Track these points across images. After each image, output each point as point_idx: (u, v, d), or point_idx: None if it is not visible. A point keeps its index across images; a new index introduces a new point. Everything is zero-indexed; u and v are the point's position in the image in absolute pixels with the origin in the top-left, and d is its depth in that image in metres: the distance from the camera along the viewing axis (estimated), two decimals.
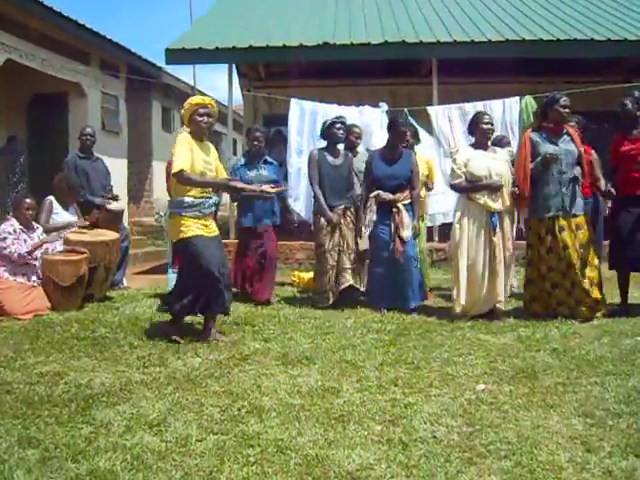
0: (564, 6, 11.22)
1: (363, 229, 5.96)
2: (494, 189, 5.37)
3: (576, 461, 2.64)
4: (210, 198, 4.72)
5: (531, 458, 2.66)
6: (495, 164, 5.44)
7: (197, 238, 4.58)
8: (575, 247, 5.30)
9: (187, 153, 4.54)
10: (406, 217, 5.79)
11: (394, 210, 5.82)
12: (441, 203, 7.65)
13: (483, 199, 5.38)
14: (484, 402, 3.34)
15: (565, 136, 5.46)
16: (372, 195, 5.86)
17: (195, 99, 4.76)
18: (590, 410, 3.21)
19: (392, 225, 5.80)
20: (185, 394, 3.48)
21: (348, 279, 5.99)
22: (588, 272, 5.33)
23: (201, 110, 4.65)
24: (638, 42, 8.95)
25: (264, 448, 2.75)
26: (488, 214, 5.38)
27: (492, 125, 5.61)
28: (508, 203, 5.44)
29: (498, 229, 5.37)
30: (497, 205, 5.38)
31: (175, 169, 4.50)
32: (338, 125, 6.16)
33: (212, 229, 4.76)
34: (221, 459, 2.66)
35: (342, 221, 6.04)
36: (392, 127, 6.01)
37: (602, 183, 5.56)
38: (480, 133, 5.55)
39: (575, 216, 5.35)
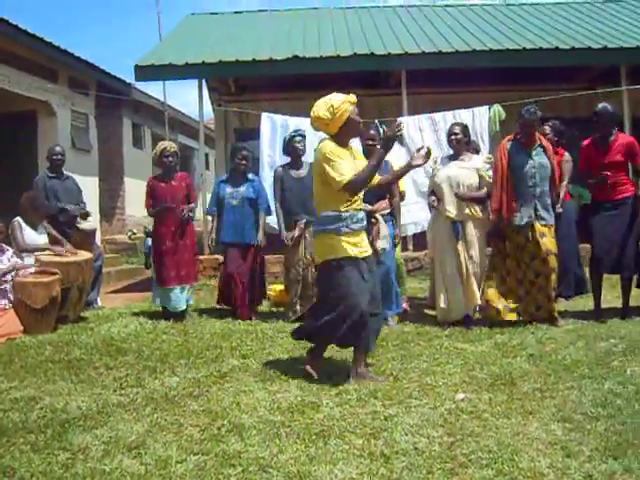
0: (529, 16, 11.45)
1: None
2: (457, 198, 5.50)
3: (557, 467, 2.66)
4: (359, 211, 4.14)
5: (512, 466, 2.67)
6: (458, 172, 5.58)
7: (347, 260, 3.99)
8: (539, 254, 5.41)
9: (341, 162, 3.95)
10: (383, 228, 5.82)
11: (372, 221, 5.84)
12: (412, 213, 7.74)
13: (443, 208, 5.56)
14: (464, 411, 3.35)
15: (539, 148, 5.56)
16: None
17: (349, 98, 4.05)
18: (568, 415, 3.24)
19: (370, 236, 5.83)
20: (164, 415, 3.44)
21: (314, 293, 5.97)
22: (552, 279, 5.43)
23: (357, 109, 4.07)
24: (601, 50, 9.14)
25: (245, 467, 2.73)
26: (450, 223, 5.55)
27: (458, 135, 5.71)
28: (469, 212, 5.55)
29: (461, 237, 5.51)
30: (455, 215, 5.53)
31: (343, 181, 3.90)
32: (298, 138, 6.21)
33: (365, 247, 4.13)
34: None
35: (306, 235, 6.03)
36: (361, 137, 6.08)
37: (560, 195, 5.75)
38: (449, 143, 5.79)
39: (543, 225, 5.46)
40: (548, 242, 5.42)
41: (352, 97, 4.07)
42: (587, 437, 2.95)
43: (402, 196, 6.53)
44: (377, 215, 5.83)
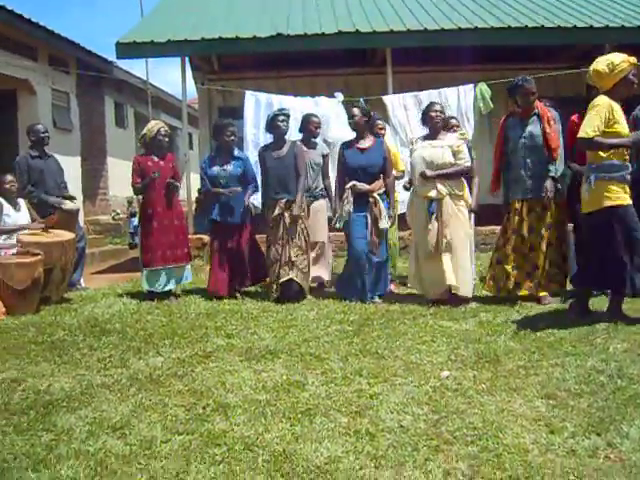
0: None
1: (336, 221, 5.95)
2: (425, 178, 5.52)
3: (540, 442, 2.69)
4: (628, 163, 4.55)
5: (497, 442, 2.69)
6: (430, 152, 5.58)
7: (630, 207, 4.45)
8: (539, 230, 5.42)
9: (598, 119, 4.40)
10: (383, 207, 5.84)
11: (370, 200, 5.84)
12: (401, 193, 7.70)
13: (419, 188, 5.61)
14: (449, 389, 3.37)
15: (534, 117, 5.51)
16: (348, 186, 5.87)
17: (630, 59, 4.48)
18: (552, 391, 3.26)
19: (368, 216, 5.83)
20: (148, 395, 3.42)
21: (287, 272, 5.95)
22: (550, 254, 5.45)
23: (635, 71, 4.50)
24: (586, 29, 9.12)
25: (231, 446, 2.72)
26: (427, 202, 5.55)
27: (441, 113, 5.73)
28: (447, 190, 5.53)
29: (434, 217, 5.51)
30: (432, 193, 5.53)
31: (583, 135, 4.42)
32: (281, 117, 6.15)
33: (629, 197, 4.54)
34: (187, 460, 2.62)
35: (286, 214, 6.00)
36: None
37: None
38: (429, 122, 5.71)
39: (541, 199, 5.41)
40: (548, 215, 5.41)
41: (632, 59, 4.48)
42: (570, 413, 2.97)
43: (402, 175, 6.61)
44: (375, 195, 5.85)
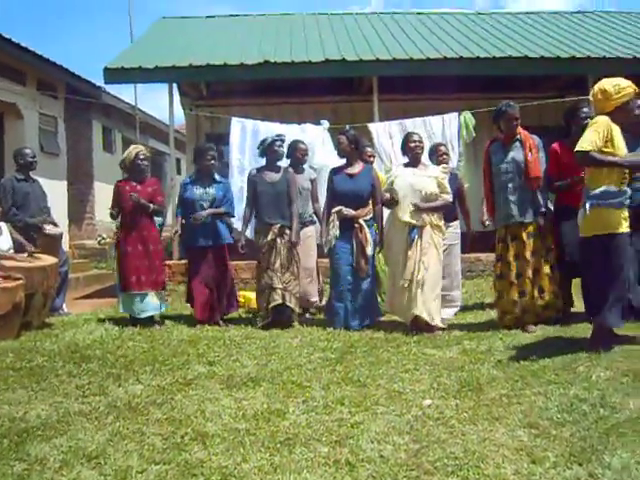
0: (500, 25, 11.58)
1: (324, 245, 5.97)
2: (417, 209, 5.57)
3: (522, 473, 2.66)
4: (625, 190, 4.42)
5: (478, 472, 2.66)
6: (418, 180, 5.62)
7: (624, 235, 4.37)
8: (525, 256, 5.41)
9: (596, 135, 4.30)
10: (368, 233, 5.83)
11: (356, 226, 5.84)
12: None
13: (401, 215, 5.62)
14: (430, 418, 3.33)
15: (516, 143, 5.55)
16: (334, 211, 5.88)
17: (634, 86, 4.46)
18: (534, 421, 3.24)
19: (353, 242, 5.82)
20: (126, 423, 3.36)
21: (277, 298, 5.93)
22: (540, 281, 5.44)
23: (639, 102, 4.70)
24: (569, 59, 9.28)
25: (208, 477, 2.67)
26: (408, 228, 5.57)
27: (421, 143, 5.84)
28: (428, 219, 5.57)
29: (414, 244, 5.53)
30: (414, 220, 5.56)
31: (581, 148, 4.30)
32: (278, 143, 6.20)
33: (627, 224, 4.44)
34: None
35: (278, 240, 6.00)
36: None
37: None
38: (409, 151, 5.81)
39: (525, 224, 5.43)
40: (532, 241, 5.39)
41: (637, 87, 4.48)
42: (553, 443, 2.95)
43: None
44: (361, 221, 5.85)
